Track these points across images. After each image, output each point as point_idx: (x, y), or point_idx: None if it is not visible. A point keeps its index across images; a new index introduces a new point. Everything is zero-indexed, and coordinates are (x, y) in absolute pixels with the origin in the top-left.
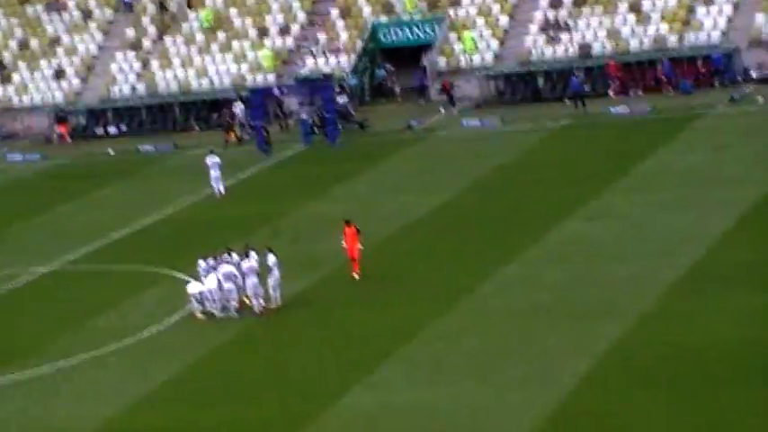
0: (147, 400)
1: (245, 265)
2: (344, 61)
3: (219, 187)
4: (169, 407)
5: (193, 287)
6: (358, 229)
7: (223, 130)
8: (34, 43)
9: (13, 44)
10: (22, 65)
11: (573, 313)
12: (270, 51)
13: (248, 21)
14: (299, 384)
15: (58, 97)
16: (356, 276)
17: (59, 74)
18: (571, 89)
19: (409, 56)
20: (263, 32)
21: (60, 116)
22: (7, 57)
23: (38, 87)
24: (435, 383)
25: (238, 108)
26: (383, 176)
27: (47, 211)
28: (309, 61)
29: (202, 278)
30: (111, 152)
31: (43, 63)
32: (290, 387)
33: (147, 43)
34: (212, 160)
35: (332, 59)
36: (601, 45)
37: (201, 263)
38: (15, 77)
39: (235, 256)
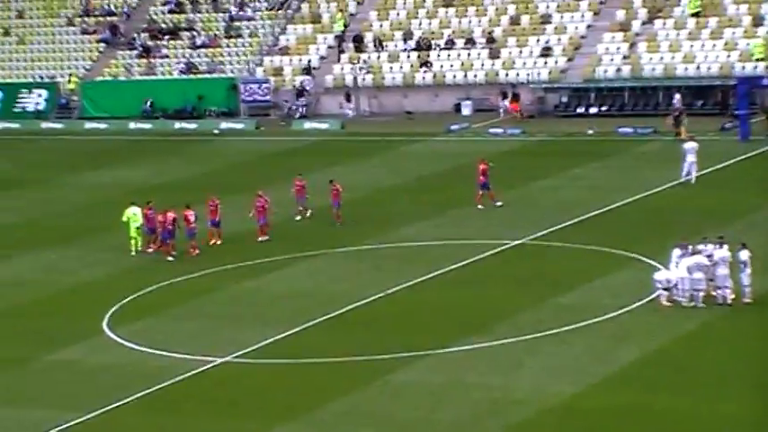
0: (608, 381)
1: (717, 255)
2: None
3: (691, 174)
4: (626, 391)
5: (661, 274)
6: None
7: (674, 126)
8: (525, 20)
9: (504, 20)
10: (511, 41)
11: None
12: (763, 40)
13: (742, 8)
14: (765, 382)
15: (543, 74)
16: None
17: (546, 51)
18: None
19: None
20: (756, 21)
21: (514, 93)
22: (498, 32)
23: (524, 63)
24: None
25: (675, 98)
26: None
27: (523, 185)
28: None
29: (673, 265)
30: (590, 132)
31: (531, 40)
32: (756, 384)
33: (635, 26)
34: (690, 146)
35: None
36: None
37: (677, 250)
38: (504, 53)
39: (709, 246)
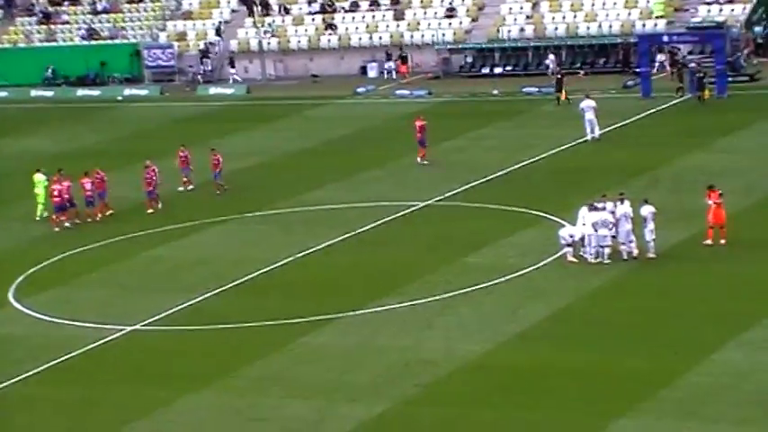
0: (516, 339)
1: (619, 211)
2: (739, 11)
3: (594, 132)
4: (536, 348)
5: (564, 230)
6: (721, 193)
7: (556, 90)
8: None
9: None
10: (415, 2)
11: None
12: None
13: None
14: (669, 336)
15: (448, 35)
16: (718, 243)
17: (450, 12)
18: None
19: None
20: None
21: (402, 56)
22: None
23: (429, 24)
24: None
25: (549, 59)
26: None
27: (431, 146)
28: (702, 9)
29: (579, 222)
30: (495, 92)
31: (436, 1)
32: (659, 338)
33: None
34: (587, 104)
35: (726, 8)
36: None
37: (584, 209)
38: (408, 14)
39: (608, 203)
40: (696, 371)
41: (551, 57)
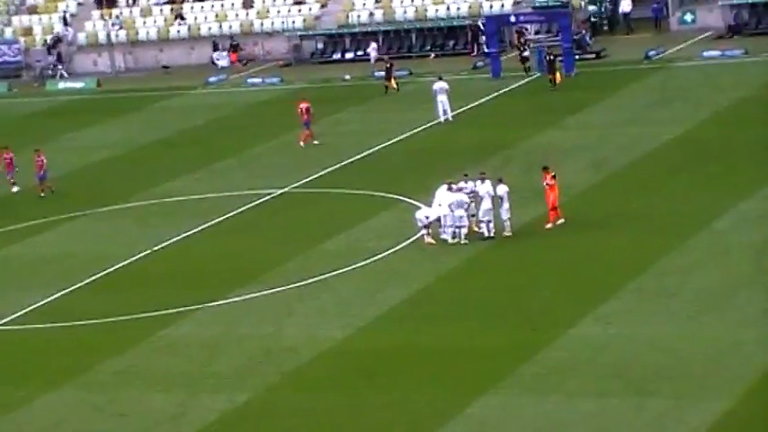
0: (376, 322)
1: (482, 190)
2: None
3: (447, 114)
4: (396, 330)
5: (421, 212)
6: (554, 175)
7: (385, 78)
8: None
9: None
10: None
11: None
12: None
13: None
14: (528, 312)
15: (298, 22)
16: (561, 221)
17: None
18: None
19: None
20: None
21: (232, 44)
22: None
23: (278, 12)
24: (666, 318)
25: (371, 47)
26: (619, 107)
27: (284, 133)
28: None
29: (435, 203)
30: (347, 77)
31: None
32: (518, 314)
33: None
34: (439, 86)
35: None
36: None
37: (443, 188)
38: (257, 2)
39: (469, 183)
40: (555, 345)
41: (373, 45)
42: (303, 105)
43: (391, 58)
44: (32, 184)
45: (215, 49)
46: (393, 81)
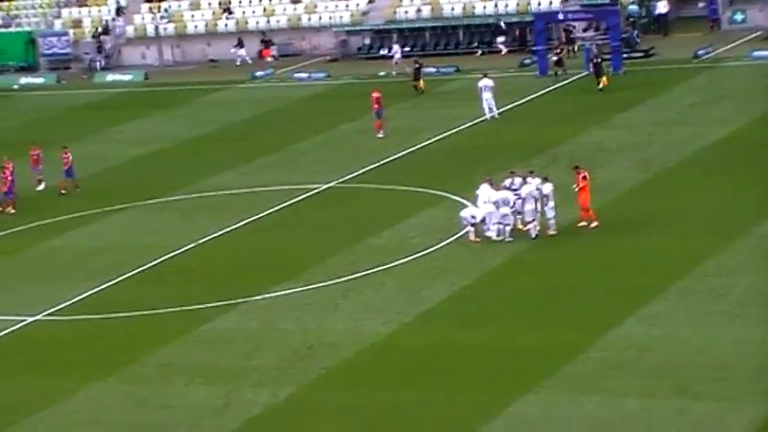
0: (420, 319)
1: (526, 190)
2: None
3: (493, 111)
4: (440, 327)
5: (467, 211)
6: (585, 176)
7: (413, 78)
8: None
9: None
10: None
11: None
12: None
13: None
14: (572, 312)
15: (345, 17)
16: (594, 225)
17: None
18: None
19: None
20: None
21: (264, 40)
22: None
23: (326, 7)
24: (711, 319)
25: (395, 49)
26: (666, 106)
27: (330, 129)
28: None
29: (480, 201)
30: (394, 73)
31: None
32: (562, 314)
33: None
34: (484, 83)
35: None
36: None
37: (485, 186)
38: None
39: (517, 180)
40: (598, 346)
41: (396, 47)
42: (375, 95)
43: (438, 55)
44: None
45: (238, 45)
46: (421, 81)
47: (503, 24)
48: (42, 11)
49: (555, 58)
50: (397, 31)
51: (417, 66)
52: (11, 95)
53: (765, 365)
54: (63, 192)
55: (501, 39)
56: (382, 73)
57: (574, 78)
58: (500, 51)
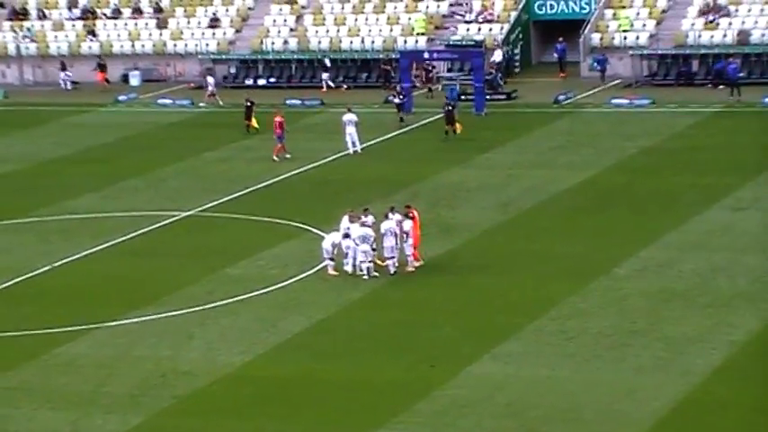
0: (276, 350)
1: (385, 226)
2: (497, 30)
3: (356, 146)
4: (296, 359)
5: (327, 242)
6: (412, 216)
7: (245, 118)
8: None
9: None
10: (179, 11)
11: (710, 302)
12: (423, 15)
13: None
14: (428, 348)
15: (211, 46)
16: (416, 265)
17: (214, 23)
18: (727, 76)
19: (560, 29)
20: None
21: (100, 64)
22: (165, 2)
23: (192, 34)
24: (563, 361)
25: (209, 80)
26: (527, 149)
27: (193, 156)
28: (462, 28)
29: (341, 234)
30: (202, 104)
31: (200, 11)
32: (418, 351)
33: None
34: (348, 118)
35: (484, 27)
36: (761, 33)
37: (346, 218)
38: (172, 23)
39: (370, 217)
40: (453, 383)
41: (209, 78)
42: (277, 119)
43: (304, 87)
44: None
45: (62, 68)
46: (254, 120)
47: (327, 61)
48: None
49: (397, 101)
50: (264, 62)
51: (248, 104)
52: None
53: (613, 407)
54: None
55: (325, 75)
56: (203, 104)
57: (437, 117)
58: (322, 88)
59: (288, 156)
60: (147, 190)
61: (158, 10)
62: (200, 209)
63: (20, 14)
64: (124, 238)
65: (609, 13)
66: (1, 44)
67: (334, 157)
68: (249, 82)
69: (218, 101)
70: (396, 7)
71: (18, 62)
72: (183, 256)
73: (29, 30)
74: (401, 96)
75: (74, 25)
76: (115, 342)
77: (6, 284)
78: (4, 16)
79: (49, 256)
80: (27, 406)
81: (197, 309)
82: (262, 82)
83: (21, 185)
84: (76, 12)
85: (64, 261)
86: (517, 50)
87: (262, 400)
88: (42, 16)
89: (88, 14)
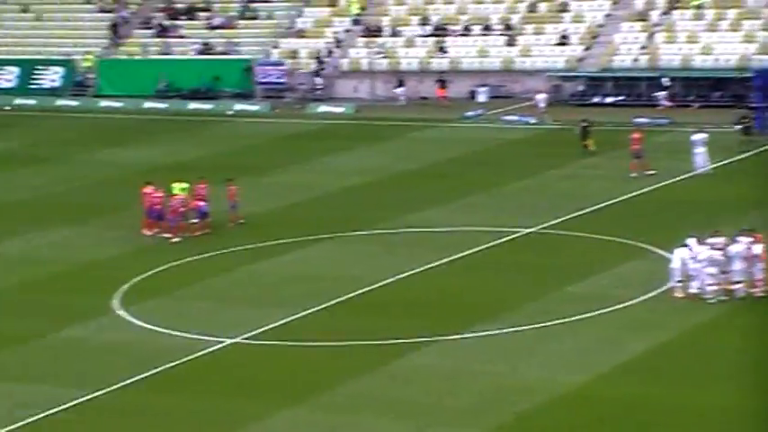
0: (617, 371)
1: (734, 249)
2: None
3: (706, 166)
4: (636, 381)
5: (676, 261)
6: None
7: (581, 138)
8: (543, 7)
9: (522, 7)
10: (528, 28)
11: None
12: None
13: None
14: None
15: (560, 62)
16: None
17: (563, 39)
18: None
19: None
20: None
21: (440, 80)
22: (515, 19)
23: (540, 51)
24: None
25: (541, 96)
26: None
27: (537, 173)
28: None
29: (688, 257)
30: (532, 120)
31: (549, 28)
32: (756, 378)
33: (654, 16)
34: (699, 137)
35: None
36: None
37: (693, 241)
38: (520, 40)
39: (722, 239)
40: None
41: (540, 95)
42: (635, 136)
43: (652, 105)
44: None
45: (399, 85)
46: (591, 141)
47: (665, 81)
48: (261, 40)
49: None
50: (612, 80)
51: (585, 125)
52: (226, 121)
53: None
54: (230, 225)
55: (662, 93)
56: (533, 121)
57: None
58: (660, 106)
59: (653, 172)
60: (491, 206)
61: (508, 27)
62: (541, 226)
63: (373, 32)
64: (467, 253)
65: None
66: (355, 60)
67: (681, 176)
68: (597, 99)
69: (546, 118)
70: (753, 24)
71: (370, 77)
72: (524, 272)
73: (382, 46)
74: (750, 117)
75: (425, 41)
76: (456, 355)
77: (352, 294)
78: (359, 33)
79: (394, 267)
80: (370, 413)
81: (537, 326)
82: (609, 100)
83: (368, 198)
84: (428, 29)
85: (408, 273)
86: None
87: (601, 422)
88: (395, 33)
89: (439, 31)
